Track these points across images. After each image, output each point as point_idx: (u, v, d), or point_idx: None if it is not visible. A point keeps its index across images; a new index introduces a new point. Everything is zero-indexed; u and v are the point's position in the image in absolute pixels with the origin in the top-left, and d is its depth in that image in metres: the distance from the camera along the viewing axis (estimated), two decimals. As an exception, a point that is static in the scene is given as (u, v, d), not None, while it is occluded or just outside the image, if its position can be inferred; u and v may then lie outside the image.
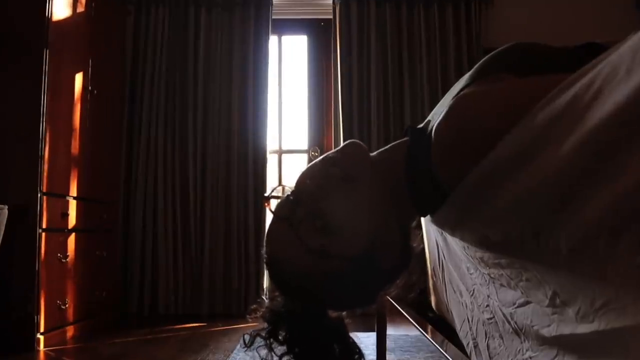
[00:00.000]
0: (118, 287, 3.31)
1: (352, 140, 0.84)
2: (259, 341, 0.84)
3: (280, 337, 0.83)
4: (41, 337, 2.39)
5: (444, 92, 3.49)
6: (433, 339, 1.13)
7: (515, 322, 0.69)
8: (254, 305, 0.90)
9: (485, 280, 0.78)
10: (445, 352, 1.02)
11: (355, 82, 3.52)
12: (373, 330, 1.84)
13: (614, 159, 0.42)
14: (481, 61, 0.83)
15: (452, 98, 0.76)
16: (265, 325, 0.85)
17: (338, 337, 0.86)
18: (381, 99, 3.51)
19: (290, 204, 0.79)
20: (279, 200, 0.83)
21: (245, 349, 0.85)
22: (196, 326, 3.02)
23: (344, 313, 0.89)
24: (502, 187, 0.60)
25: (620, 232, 0.43)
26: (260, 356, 0.83)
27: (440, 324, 1.20)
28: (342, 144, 0.83)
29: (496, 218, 0.64)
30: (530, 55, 0.83)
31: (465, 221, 0.73)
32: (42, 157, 2.44)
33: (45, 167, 2.46)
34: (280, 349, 0.83)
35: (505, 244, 0.64)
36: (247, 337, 0.85)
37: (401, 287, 0.88)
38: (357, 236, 0.76)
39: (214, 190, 3.46)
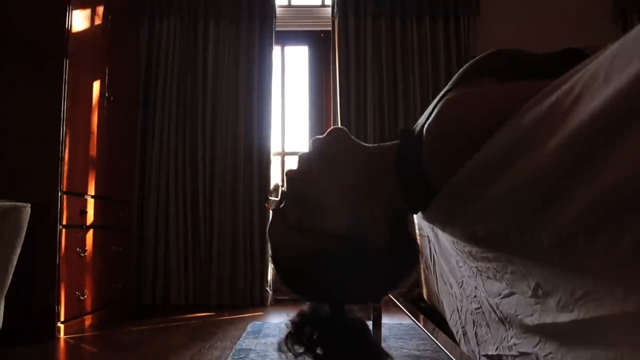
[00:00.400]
0: (133, 280, 3.31)
1: (335, 126, 0.84)
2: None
3: (304, 339, 0.81)
4: (61, 326, 2.39)
5: (434, 98, 3.50)
6: (425, 328, 1.13)
7: (501, 312, 0.69)
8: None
9: (473, 273, 0.78)
10: (436, 339, 1.02)
11: (352, 89, 3.51)
12: (370, 320, 1.84)
13: (592, 162, 0.42)
14: (465, 66, 0.82)
15: (438, 101, 0.76)
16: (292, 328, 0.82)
17: (360, 340, 0.83)
18: (377, 104, 3.51)
19: (281, 195, 0.79)
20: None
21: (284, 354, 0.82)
22: (205, 315, 3.02)
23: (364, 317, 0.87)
24: (488, 186, 0.60)
25: (597, 230, 0.43)
26: (292, 352, 0.80)
27: (431, 314, 1.20)
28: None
29: (483, 215, 0.64)
30: (512, 61, 0.82)
31: (454, 218, 0.73)
32: (63, 158, 2.44)
33: (65, 168, 2.45)
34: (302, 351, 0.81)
35: (492, 240, 0.64)
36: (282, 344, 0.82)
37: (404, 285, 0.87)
38: (335, 212, 0.76)
39: (221, 188, 3.45)
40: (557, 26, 3.52)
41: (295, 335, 0.81)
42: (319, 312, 0.83)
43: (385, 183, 0.78)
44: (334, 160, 0.78)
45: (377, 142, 3.36)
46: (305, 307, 0.85)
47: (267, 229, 0.84)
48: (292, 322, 0.83)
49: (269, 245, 0.84)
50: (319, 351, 0.80)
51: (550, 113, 0.50)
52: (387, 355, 0.85)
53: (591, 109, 0.42)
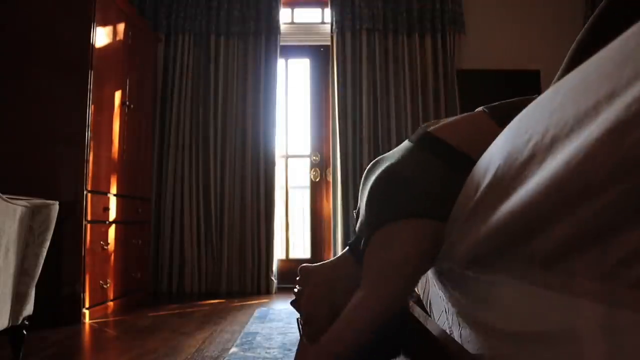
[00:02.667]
0: (151, 270, 3.30)
1: (303, 266, 1.03)
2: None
3: None
4: (86, 312, 2.38)
5: (423, 106, 3.48)
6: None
7: (481, 321, 0.68)
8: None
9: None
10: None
11: (349, 97, 3.49)
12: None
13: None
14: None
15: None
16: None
17: None
18: (371, 111, 3.49)
19: (301, 325, 0.99)
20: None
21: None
22: (216, 302, 3.01)
23: None
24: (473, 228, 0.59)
25: (584, 250, 0.42)
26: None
27: (420, 303, 1.19)
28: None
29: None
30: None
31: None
32: (87, 160, 2.43)
33: (90, 169, 2.44)
34: None
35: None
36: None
37: None
38: (323, 319, 0.93)
39: (231, 186, 3.44)
40: (534, 42, 3.51)
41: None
42: None
43: (347, 280, 0.95)
44: (313, 288, 0.98)
45: (372, 143, 3.38)
46: None
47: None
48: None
49: None
50: None
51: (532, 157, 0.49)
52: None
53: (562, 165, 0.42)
